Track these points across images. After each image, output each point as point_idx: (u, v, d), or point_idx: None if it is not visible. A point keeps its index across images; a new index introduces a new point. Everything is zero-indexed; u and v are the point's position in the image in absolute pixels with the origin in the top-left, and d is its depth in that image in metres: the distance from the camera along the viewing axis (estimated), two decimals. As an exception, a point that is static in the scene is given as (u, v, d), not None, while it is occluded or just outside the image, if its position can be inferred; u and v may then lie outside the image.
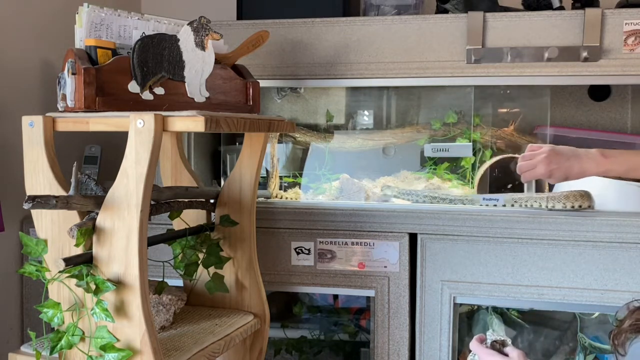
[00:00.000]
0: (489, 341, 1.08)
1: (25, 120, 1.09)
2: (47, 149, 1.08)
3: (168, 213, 1.32)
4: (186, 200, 1.35)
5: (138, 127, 1.00)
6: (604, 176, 1.46)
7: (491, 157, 1.77)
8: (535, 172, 1.42)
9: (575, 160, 1.38)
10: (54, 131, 1.10)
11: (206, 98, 1.22)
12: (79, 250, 1.05)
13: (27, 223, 1.71)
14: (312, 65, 1.67)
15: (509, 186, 1.80)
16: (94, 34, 1.15)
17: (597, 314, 1.65)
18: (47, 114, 1.10)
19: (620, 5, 1.62)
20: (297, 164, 2.02)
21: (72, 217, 1.07)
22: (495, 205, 1.56)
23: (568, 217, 1.49)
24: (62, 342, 1.05)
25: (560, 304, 1.53)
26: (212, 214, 1.44)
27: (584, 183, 1.51)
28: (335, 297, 1.96)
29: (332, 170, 1.94)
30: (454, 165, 1.84)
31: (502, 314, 1.72)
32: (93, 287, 1.03)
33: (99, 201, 1.05)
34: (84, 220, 1.05)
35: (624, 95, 1.89)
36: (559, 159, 1.39)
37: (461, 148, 1.78)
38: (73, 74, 1.08)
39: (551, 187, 1.72)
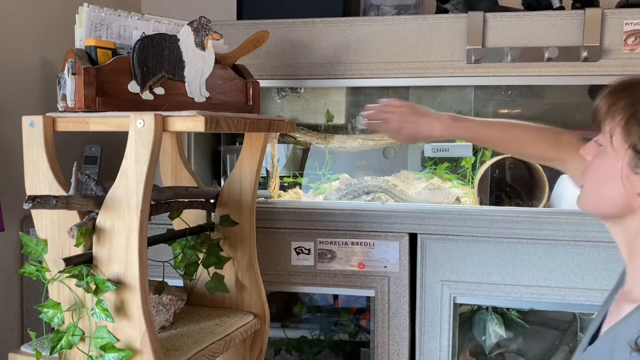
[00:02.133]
0: None
1: (25, 120, 1.09)
2: (47, 149, 1.08)
3: (168, 213, 1.32)
4: (186, 200, 1.35)
5: (138, 127, 1.00)
6: (452, 139, 1.40)
7: (491, 157, 1.77)
8: (386, 125, 1.33)
9: (425, 120, 1.29)
10: (54, 131, 1.10)
11: (206, 98, 1.22)
12: (79, 250, 1.05)
13: (27, 223, 1.71)
14: (312, 65, 1.67)
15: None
16: (94, 34, 1.15)
17: (597, 314, 1.64)
18: (47, 114, 1.10)
19: (620, 5, 1.62)
20: (297, 164, 2.02)
21: (72, 217, 1.07)
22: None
23: (568, 217, 1.49)
24: (62, 342, 1.05)
25: (560, 304, 1.53)
26: (212, 214, 1.44)
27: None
28: (335, 297, 1.96)
29: (332, 170, 1.94)
30: (454, 165, 1.84)
31: (502, 314, 1.72)
32: (93, 287, 1.03)
33: (99, 201, 1.05)
34: (84, 220, 1.05)
35: (624, 95, 1.89)
36: (413, 117, 1.29)
37: (461, 148, 1.78)
38: (73, 74, 1.08)
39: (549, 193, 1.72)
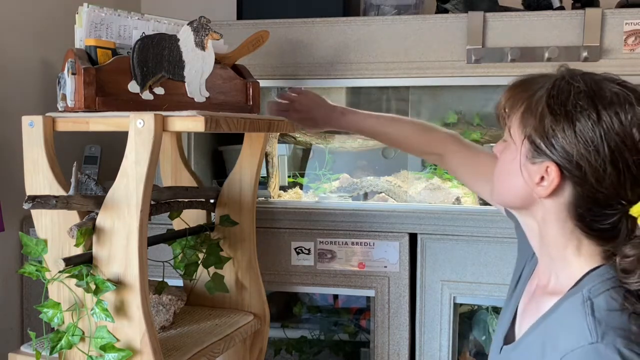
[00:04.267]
0: None
1: (25, 120, 1.09)
2: (47, 149, 1.08)
3: (168, 213, 1.32)
4: (186, 200, 1.35)
5: (138, 127, 1.00)
6: (342, 131, 1.47)
7: (491, 157, 1.77)
8: (288, 115, 1.37)
9: (320, 110, 1.35)
10: (54, 131, 1.10)
11: (206, 98, 1.22)
12: (79, 250, 1.05)
13: (27, 223, 1.71)
14: (312, 65, 1.67)
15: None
16: (94, 34, 1.15)
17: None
18: (47, 114, 1.10)
19: (620, 5, 1.62)
20: (297, 164, 2.01)
21: (72, 217, 1.07)
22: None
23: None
24: (62, 342, 1.05)
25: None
26: (212, 214, 1.44)
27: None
28: (335, 297, 1.96)
29: (332, 170, 1.94)
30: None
31: (502, 314, 1.72)
32: (93, 287, 1.03)
33: (99, 201, 1.05)
34: (84, 220, 1.05)
35: (624, 95, 1.89)
36: (307, 107, 1.35)
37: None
38: (73, 74, 1.08)
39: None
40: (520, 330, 0.94)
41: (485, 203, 1.75)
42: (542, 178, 0.84)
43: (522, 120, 0.86)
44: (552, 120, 0.82)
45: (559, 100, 0.82)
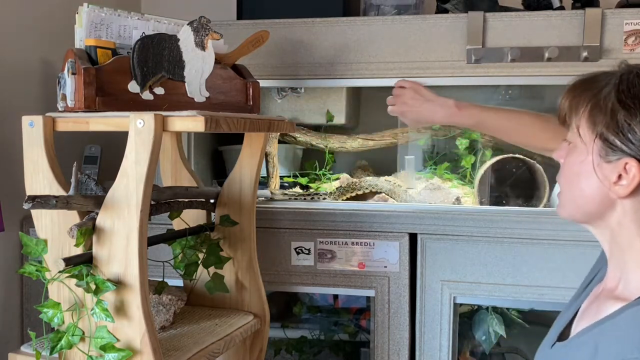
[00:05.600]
0: None
1: (25, 120, 1.09)
2: (47, 149, 1.08)
3: (168, 213, 1.32)
4: (186, 200, 1.35)
5: (138, 127, 1.00)
6: (453, 125, 1.46)
7: (491, 157, 1.77)
8: (393, 108, 1.38)
9: (427, 105, 1.32)
10: (54, 131, 1.10)
11: (206, 98, 1.22)
12: (79, 250, 1.05)
13: (27, 223, 1.71)
14: (312, 65, 1.67)
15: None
16: (94, 34, 1.15)
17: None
18: (47, 114, 1.10)
19: (620, 5, 1.62)
20: (297, 164, 2.01)
21: (72, 217, 1.07)
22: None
23: (568, 217, 1.49)
24: (62, 342, 1.05)
25: (560, 304, 1.52)
26: (212, 214, 1.44)
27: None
28: (335, 297, 1.96)
29: (332, 170, 1.94)
30: (454, 166, 1.84)
31: (502, 314, 1.72)
32: (93, 287, 1.03)
33: (99, 201, 1.05)
34: (84, 220, 1.05)
35: (624, 95, 1.88)
36: (414, 101, 1.34)
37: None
38: (73, 74, 1.08)
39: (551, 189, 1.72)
40: (576, 329, 0.92)
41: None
42: (620, 176, 0.81)
43: (591, 119, 0.84)
44: (626, 114, 0.80)
45: (631, 93, 0.80)
